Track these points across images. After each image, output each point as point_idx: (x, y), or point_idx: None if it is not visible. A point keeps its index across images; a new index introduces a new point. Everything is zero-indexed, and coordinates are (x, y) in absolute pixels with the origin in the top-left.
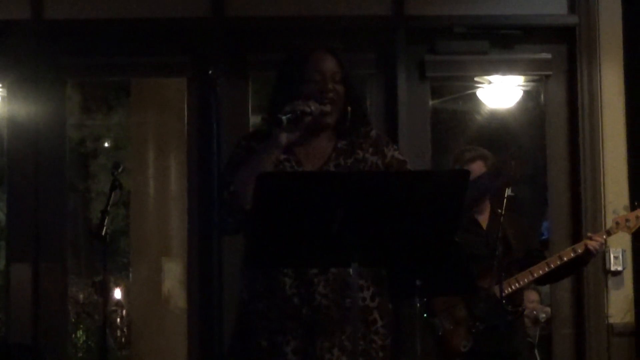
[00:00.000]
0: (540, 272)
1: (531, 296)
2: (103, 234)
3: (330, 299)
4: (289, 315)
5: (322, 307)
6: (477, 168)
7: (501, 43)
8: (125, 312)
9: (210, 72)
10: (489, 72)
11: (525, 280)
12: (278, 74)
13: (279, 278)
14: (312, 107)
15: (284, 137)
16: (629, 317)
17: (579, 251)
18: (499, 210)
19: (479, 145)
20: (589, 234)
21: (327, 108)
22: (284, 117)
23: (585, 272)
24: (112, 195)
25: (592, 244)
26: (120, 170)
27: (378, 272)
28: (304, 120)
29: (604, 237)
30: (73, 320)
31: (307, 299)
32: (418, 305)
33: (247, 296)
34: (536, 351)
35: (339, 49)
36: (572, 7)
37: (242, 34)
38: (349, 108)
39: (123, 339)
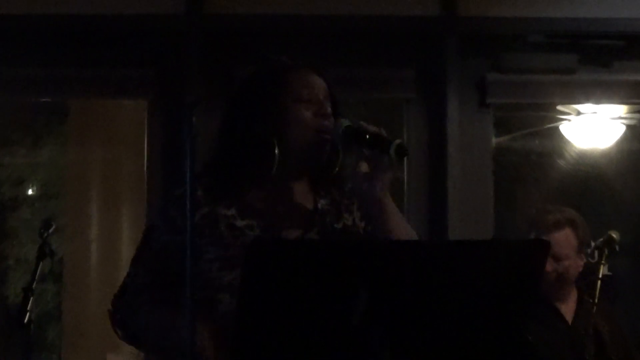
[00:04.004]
0: None
1: None
2: (25, 320)
3: None
4: None
5: None
6: (565, 239)
7: (595, 58)
8: None
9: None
10: (576, 99)
11: None
12: (239, 95)
13: None
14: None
15: None
16: None
17: None
18: (590, 299)
19: (562, 202)
20: None
21: (328, 136)
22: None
23: None
24: (40, 265)
25: None
26: (51, 230)
27: None
28: None
29: None
30: None
31: None
32: None
33: None
34: None
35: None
36: None
37: (228, 39)
38: (339, 148)
39: None
